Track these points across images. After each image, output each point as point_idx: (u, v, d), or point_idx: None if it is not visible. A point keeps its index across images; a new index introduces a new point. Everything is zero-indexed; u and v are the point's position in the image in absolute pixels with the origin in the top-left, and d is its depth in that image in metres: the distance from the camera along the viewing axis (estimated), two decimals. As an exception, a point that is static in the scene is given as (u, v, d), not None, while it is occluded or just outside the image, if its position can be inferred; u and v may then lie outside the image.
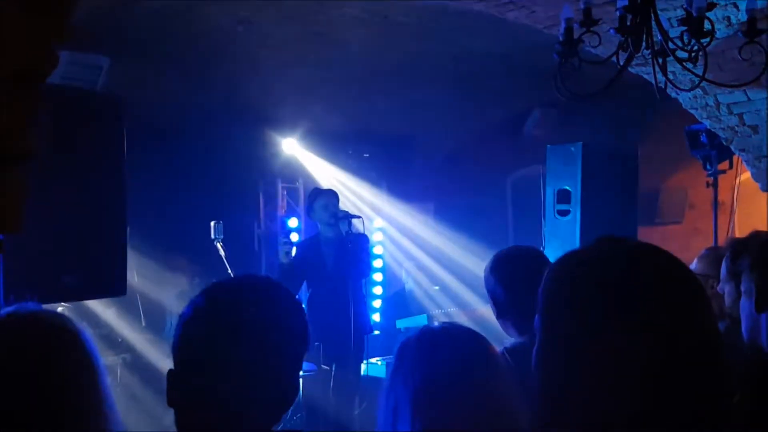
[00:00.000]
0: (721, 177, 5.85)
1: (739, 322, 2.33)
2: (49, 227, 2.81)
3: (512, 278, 2.48)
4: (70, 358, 1.51)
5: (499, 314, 2.51)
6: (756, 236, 2.50)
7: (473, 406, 1.55)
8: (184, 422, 1.32)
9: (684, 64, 3.02)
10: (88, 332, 1.60)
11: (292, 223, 7.30)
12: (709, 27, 2.91)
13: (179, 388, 1.31)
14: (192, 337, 1.31)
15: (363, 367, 5.57)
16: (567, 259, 1.08)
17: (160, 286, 6.01)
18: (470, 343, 1.65)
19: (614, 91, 3.25)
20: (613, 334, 0.97)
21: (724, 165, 5.79)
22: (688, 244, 8.21)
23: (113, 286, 3.17)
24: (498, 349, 2.42)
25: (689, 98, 4.61)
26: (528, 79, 6.32)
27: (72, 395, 1.48)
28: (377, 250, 7.63)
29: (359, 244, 5.33)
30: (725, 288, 2.49)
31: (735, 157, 5.41)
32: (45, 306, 2.64)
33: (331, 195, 5.43)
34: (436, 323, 1.74)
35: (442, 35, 5.61)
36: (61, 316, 1.62)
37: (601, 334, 0.97)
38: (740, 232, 6.66)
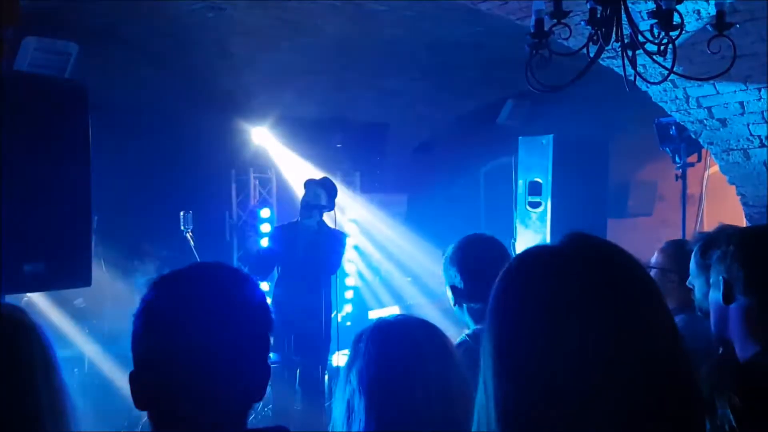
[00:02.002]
0: (690, 170, 5.91)
1: (709, 315, 2.35)
2: (12, 215, 2.75)
3: (471, 267, 2.49)
4: (25, 353, 1.47)
5: (457, 302, 2.53)
6: (723, 230, 2.52)
7: (427, 397, 1.55)
8: (156, 423, 1.27)
9: (653, 57, 3.03)
10: (45, 327, 1.56)
11: (264, 213, 7.25)
12: (679, 20, 2.92)
13: (143, 389, 1.26)
14: (146, 334, 1.26)
15: (334, 358, 5.56)
16: (531, 255, 1.08)
17: (128, 275, 5.95)
18: (424, 334, 1.65)
19: (586, 82, 3.27)
20: (574, 332, 0.96)
21: (693, 158, 5.85)
22: (657, 236, 8.29)
23: (78, 276, 3.12)
24: (457, 338, 2.46)
25: (659, 91, 4.64)
26: (501, 70, 6.32)
27: (26, 391, 1.44)
28: (351, 241, 7.60)
29: (335, 240, 5.32)
30: (695, 282, 2.51)
31: (704, 151, 5.47)
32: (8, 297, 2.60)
33: (315, 185, 5.39)
34: (390, 315, 1.73)
35: (416, 24, 5.59)
36: (17, 309, 1.58)
37: (562, 333, 0.97)
38: (709, 224, 6.74)
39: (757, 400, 1.59)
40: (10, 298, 2.83)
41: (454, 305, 2.55)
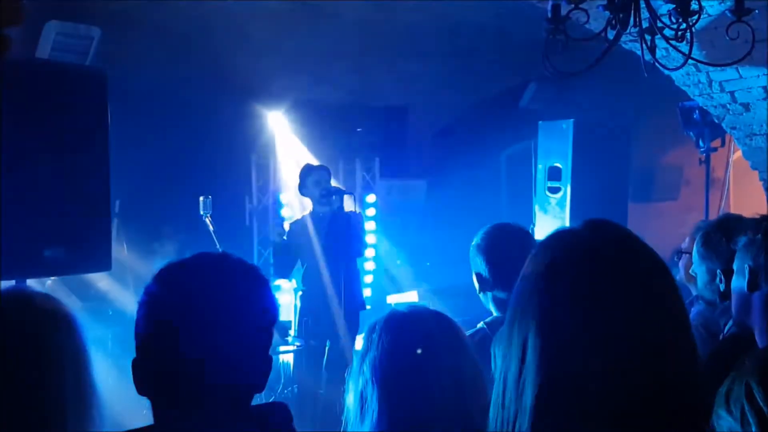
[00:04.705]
0: (714, 154, 5.84)
1: (712, 304, 2.33)
2: (32, 201, 2.80)
3: (498, 255, 2.49)
4: (55, 345, 1.49)
5: (482, 289, 2.54)
6: (726, 219, 2.50)
7: (440, 388, 1.56)
8: (158, 410, 1.30)
9: (671, 42, 2.99)
10: (77, 314, 1.58)
11: (285, 197, 7.27)
12: (697, 6, 2.88)
13: (144, 375, 1.29)
14: (148, 323, 1.28)
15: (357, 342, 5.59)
16: (558, 243, 1.11)
17: (150, 259, 6.02)
18: (436, 324, 1.66)
19: (609, 66, 3.23)
20: (602, 320, 1.01)
21: (717, 143, 5.77)
22: (683, 220, 8.21)
23: (98, 261, 3.16)
24: (476, 326, 2.47)
25: (682, 75, 4.57)
26: (523, 53, 6.24)
27: (53, 385, 1.46)
28: (370, 225, 7.59)
29: (352, 222, 5.29)
30: (697, 271, 2.49)
31: (728, 135, 5.39)
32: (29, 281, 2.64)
33: (323, 170, 5.36)
34: (403, 306, 1.75)
35: (438, 7, 5.55)
36: (52, 298, 1.59)
37: (587, 320, 1.02)
38: (735, 209, 6.66)
39: None
40: (31, 283, 2.89)
41: (479, 292, 2.57)
